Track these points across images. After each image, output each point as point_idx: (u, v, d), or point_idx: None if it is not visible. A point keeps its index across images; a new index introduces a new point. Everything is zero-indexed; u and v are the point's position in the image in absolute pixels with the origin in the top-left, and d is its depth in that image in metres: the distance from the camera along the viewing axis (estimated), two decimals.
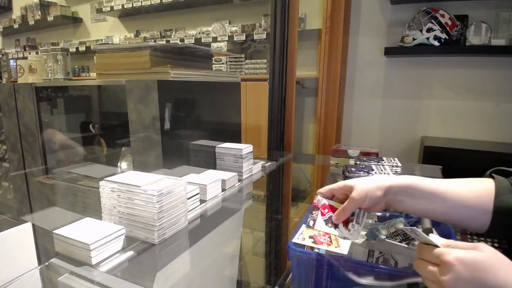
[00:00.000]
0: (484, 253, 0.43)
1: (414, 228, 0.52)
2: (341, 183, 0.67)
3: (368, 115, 2.56)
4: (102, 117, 1.63)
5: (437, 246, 0.46)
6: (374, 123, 2.55)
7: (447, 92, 2.28)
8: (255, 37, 2.79)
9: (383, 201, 0.61)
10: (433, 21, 2.07)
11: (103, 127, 1.61)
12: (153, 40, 3.48)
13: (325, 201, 0.67)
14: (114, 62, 1.11)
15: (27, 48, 4.62)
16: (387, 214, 0.77)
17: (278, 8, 1.67)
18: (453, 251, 0.44)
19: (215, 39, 3.03)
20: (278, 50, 1.72)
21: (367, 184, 0.61)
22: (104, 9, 3.56)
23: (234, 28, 3.03)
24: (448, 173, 1.03)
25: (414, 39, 2.11)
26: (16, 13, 4.61)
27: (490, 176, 0.62)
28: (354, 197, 0.61)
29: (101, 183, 0.73)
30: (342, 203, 0.64)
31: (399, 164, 1.18)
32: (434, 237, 0.49)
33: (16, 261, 0.59)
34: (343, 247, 0.61)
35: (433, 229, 0.67)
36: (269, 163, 1.43)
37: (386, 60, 2.43)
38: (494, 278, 0.41)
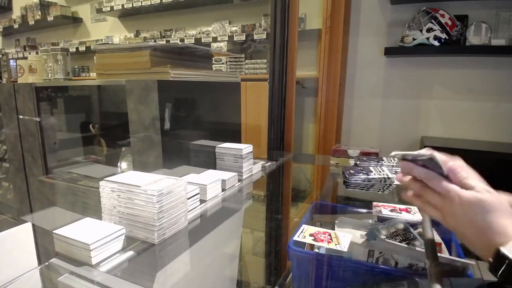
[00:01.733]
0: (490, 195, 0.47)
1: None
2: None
3: (368, 115, 2.55)
4: (102, 117, 1.63)
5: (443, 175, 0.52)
6: (374, 123, 2.55)
7: (447, 92, 2.28)
8: (255, 37, 2.79)
9: None
10: (433, 21, 2.07)
11: (103, 127, 1.61)
12: (153, 40, 3.48)
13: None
14: (114, 62, 1.11)
15: (27, 48, 4.62)
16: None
17: (278, 8, 1.67)
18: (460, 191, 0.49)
19: (215, 39, 3.03)
20: (278, 50, 1.72)
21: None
22: (104, 9, 3.56)
23: (234, 28, 3.03)
24: None
25: (414, 39, 2.11)
26: (16, 13, 4.61)
27: None
28: None
29: (101, 183, 0.73)
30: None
31: None
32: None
33: (16, 261, 0.59)
34: (343, 244, 0.62)
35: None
36: (269, 163, 1.42)
37: (386, 60, 2.42)
38: (496, 221, 0.45)
